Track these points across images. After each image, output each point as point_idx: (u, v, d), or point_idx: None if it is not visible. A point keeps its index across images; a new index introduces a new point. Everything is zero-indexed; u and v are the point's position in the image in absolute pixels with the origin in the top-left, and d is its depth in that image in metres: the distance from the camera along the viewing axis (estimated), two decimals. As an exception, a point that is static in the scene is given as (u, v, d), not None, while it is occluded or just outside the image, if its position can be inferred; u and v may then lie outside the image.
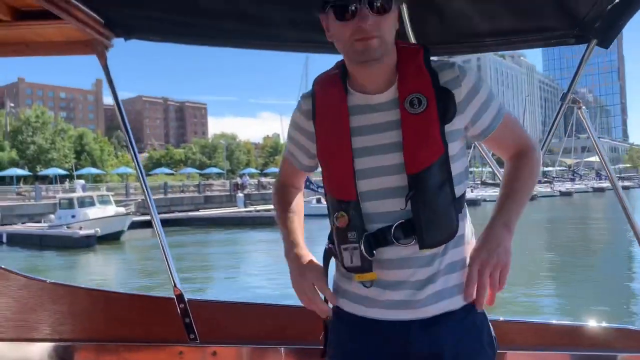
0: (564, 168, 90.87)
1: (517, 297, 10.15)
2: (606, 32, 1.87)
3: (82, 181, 31.64)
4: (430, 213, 1.27)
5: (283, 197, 1.55)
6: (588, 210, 36.02)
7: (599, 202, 45.49)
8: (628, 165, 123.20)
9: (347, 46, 1.27)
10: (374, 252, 1.29)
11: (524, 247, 18.43)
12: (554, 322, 2.10)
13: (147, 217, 27.86)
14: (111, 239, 21.57)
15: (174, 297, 2.22)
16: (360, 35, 1.24)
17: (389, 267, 1.30)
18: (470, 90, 1.33)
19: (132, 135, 2.25)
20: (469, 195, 45.03)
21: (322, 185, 1.40)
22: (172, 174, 59.13)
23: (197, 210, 34.20)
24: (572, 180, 75.16)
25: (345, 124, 1.32)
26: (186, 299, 2.22)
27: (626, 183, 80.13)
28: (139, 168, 2.32)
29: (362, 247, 1.28)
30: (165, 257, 2.21)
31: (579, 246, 17.68)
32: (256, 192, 42.63)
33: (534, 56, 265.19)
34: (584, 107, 2.09)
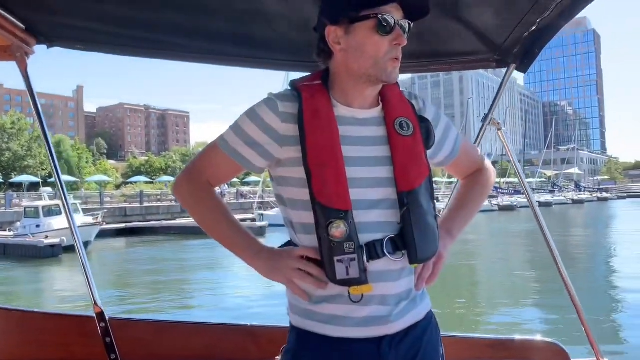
0: (544, 180, 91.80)
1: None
2: (524, 57, 2.02)
3: (48, 189, 30.80)
4: (421, 230, 1.32)
5: (213, 196, 1.44)
6: (567, 222, 36.14)
7: (578, 213, 45.89)
8: (606, 177, 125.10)
9: (377, 62, 1.31)
10: (368, 263, 1.28)
11: (496, 258, 18.34)
12: (481, 335, 2.17)
13: (118, 226, 27.25)
14: (78, 248, 20.74)
15: (94, 315, 2.13)
16: (397, 54, 1.32)
17: (371, 281, 1.28)
18: (434, 120, 1.45)
19: (51, 143, 2.22)
20: (440, 206, 45.57)
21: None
22: (151, 182, 58.36)
23: (174, 219, 33.55)
24: (552, 192, 75.93)
25: (336, 132, 1.31)
26: (107, 318, 2.14)
27: (604, 195, 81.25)
28: (57, 175, 2.22)
29: (361, 258, 1.26)
30: (85, 273, 2.14)
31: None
32: (235, 201, 41.92)
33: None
34: (503, 128, 2.23)
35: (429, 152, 1.43)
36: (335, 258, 1.25)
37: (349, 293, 1.28)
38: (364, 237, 1.28)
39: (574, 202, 66.67)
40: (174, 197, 41.00)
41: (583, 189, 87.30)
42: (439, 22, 1.83)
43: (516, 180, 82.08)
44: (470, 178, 1.62)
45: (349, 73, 1.35)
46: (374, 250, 1.29)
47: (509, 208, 50.39)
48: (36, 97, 2.14)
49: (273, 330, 2.13)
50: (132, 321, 2.30)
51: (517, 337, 2.14)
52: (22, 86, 2.11)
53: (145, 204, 37.35)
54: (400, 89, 1.45)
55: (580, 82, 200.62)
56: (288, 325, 1.41)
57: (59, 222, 21.40)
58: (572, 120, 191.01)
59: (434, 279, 1.40)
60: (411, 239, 1.30)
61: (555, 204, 61.20)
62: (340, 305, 1.30)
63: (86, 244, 21.48)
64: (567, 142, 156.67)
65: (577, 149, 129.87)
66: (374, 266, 1.29)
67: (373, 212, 1.31)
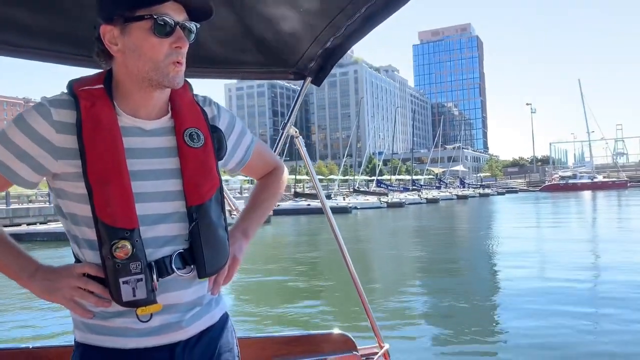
0: (431, 176, 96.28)
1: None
2: (317, 72, 2.23)
3: None
4: (210, 244, 1.31)
5: None
6: (453, 217, 37.77)
7: (462, 209, 48.24)
8: (488, 174, 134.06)
9: (156, 66, 1.24)
10: (157, 282, 1.24)
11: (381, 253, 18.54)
12: (277, 334, 2.27)
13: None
14: None
15: None
16: (179, 58, 1.25)
17: (161, 292, 1.25)
18: (227, 128, 1.45)
19: None
20: (341, 203, 46.11)
21: None
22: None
23: (46, 222, 30.78)
24: (439, 188, 79.76)
25: (121, 145, 1.23)
26: None
27: (486, 190, 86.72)
28: None
29: (149, 278, 1.22)
30: None
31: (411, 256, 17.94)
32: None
33: (406, 70, 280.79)
34: (300, 137, 2.42)
35: (221, 160, 1.41)
36: (121, 280, 1.19)
37: (136, 314, 1.23)
38: (152, 253, 1.23)
39: (459, 197, 70.24)
40: (47, 198, 37.69)
41: (467, 185, 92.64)
42: (241, 33, 1.92)
43: (407, 177, 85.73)
44: (265, 178, 1.64)
45: (130, 76, 1.26)
46: (163, 267, 1.24)
47: (398, 205, 52.00)
48: None
49: (59, 350, 1.96)
50: None
51: (311, 332, 2.27)
52: None
53: (15, 206, 33.98)
54: (194, 93, 1.40)
55: (465, 85, 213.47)
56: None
57: None
58: (457, 121, 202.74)
59: (229, 281, 1.40)
60: (200, 254, 1.28)
61: (442, 199, 64.20)
62: (129, 318, 1.24)
63: None
64: (454, 141, 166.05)
65: (462, 148, 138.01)
66: (163, 279, 1.25)
67: (160, 227, 1.26)
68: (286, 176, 1.70)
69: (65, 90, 1.26)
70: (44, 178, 1.27)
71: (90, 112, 1.22)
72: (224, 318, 1.43)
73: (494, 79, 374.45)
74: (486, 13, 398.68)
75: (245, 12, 1.80)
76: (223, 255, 1.34)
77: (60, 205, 1.28)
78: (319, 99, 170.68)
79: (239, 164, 1.54)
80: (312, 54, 2.09)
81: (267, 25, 1.88)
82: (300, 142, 2.41)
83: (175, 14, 1.23)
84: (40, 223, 30.55)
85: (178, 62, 1.25)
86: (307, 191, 53.61)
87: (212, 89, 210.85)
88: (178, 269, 1.26)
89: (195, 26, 1.28)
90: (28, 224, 29.73)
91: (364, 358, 2.25)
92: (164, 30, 1.21)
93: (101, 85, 1.27)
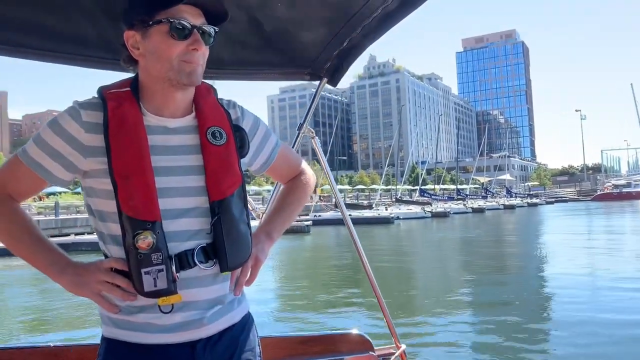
0: (477, 186, 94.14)
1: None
2: (334, 72, 2.21)
3: None
4: (232, 238, 1.35)
5: (14, 210, 1.36)
6: (499, 227, 36.57)
7: (509, 219, 46.74)
8: (536, 183, 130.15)
9: (172, 65, 1.30)
10: (178, 273, 1.29)
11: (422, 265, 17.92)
12: (294, 333, 2.37)
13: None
14: None
15: None
16: (190, 57, 1.30)
17: (183, 288, 1.29)
18: (251, 129, 1.50)
19: None
20: (383, 213, 45.29)
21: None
22: (77, 193, 55.26)
23: (93, 232, 31.24)
24: (485, 197, 77.80)
25: (145, 142, 1.30)
26: None
27: (534, 200, 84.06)
28: None
29: (170, 269, 1.26)
30: None
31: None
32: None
33: (450, 78, 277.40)
34: (316, 137, 2.40)
35: (245, 160, 1.46)
36: (143, 270, 1.25)
37: (158, 305, 1.27)
38: (175, 247, 1.28)
39: (506, 207, 68.25)
40: (94, 208, 38.93)
41: (514, 194, 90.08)
42: (257, 33, 1.93)
43: (452, 186, 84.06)
44: (291, 183, 1.65)
45: (152, 78, 1.33)
46: (185, 260, 1.29)
47: (443, 215, 50.75)
48: None
49: (79, 349, 2.00)
50: None
51: (328, 332, 2.29)
52: None
53: (63, 216, 34.84)
54: (219, 97, 1.46)
55: (511, 92, 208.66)
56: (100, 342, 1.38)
57: None
58: (503, 129, 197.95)
59: (252, 281, 1.42)
60: (222, 247, 1.32)
61: (488, 209, 62.48)
62: (151, 314, 1.29)
63: None
64: (500, 149, 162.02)
65: (509, 156, 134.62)
66: (185, 274, 1.29)
67: (183, 220, 1.30)
68: (313, 182, 1.67)
69: (96, 95, 1.33)
70: (76, 176, 1.33)
71: (117, 112, 1.29)
72: (247, 318, 1.45)
73: (541, 86, 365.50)
74: (532, 18, 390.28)
75: (260, 13, 1.80)
76: (245, 250, 1.37)
77: (90, 203, 1.34)
78: (360, 108, 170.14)
79: (264, 165, 1.56)
80: (329, 55, 2.09)
81: (282, 26, 1.89)
82: (316, 143, 2.40)
83: (192, 18, 1.28)
84: (88, 233, 31.06)
85: (191, 61, 1.29)
86: (348, 201, 53.20)
87: (254, 100, 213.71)
88: (200, 262, 1.29)
89: (214, 30, 1.33)
90: (76, 234, 30.31)
91: (381, 358, 2.26)
92: (181, 33, 1.27)
93: (128, 88, 1.34)
